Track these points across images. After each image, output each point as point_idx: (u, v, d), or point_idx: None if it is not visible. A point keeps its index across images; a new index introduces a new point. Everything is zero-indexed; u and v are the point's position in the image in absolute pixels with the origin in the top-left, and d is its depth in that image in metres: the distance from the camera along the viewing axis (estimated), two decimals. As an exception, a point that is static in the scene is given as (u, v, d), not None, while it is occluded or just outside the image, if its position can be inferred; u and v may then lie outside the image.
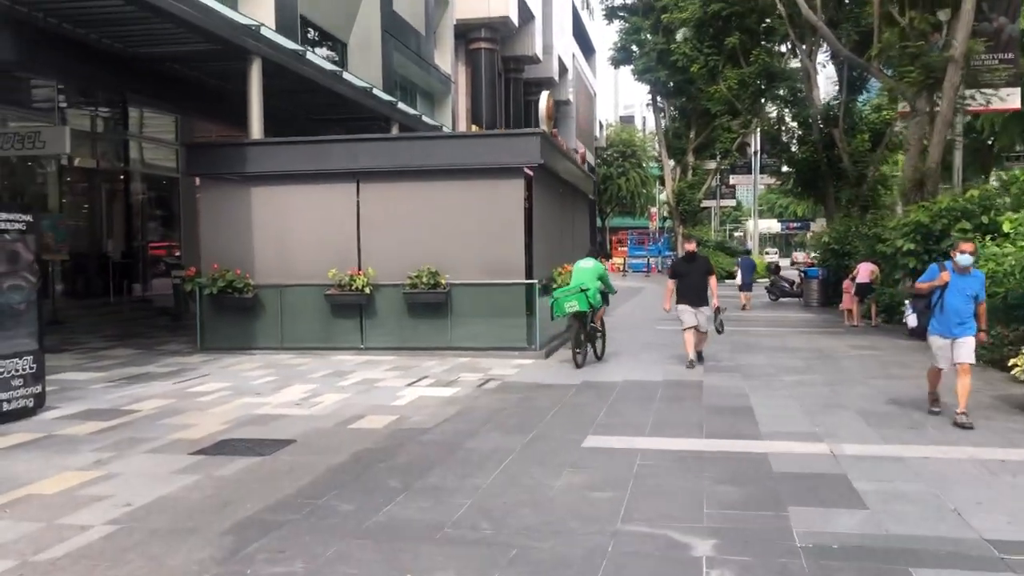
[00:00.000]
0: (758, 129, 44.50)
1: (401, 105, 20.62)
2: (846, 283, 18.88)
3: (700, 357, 11.88)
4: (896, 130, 27.78)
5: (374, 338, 12.97)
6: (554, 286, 12.92)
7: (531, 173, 13.04)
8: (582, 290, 11.39)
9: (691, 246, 12.35)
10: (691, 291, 11.73)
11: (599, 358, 12.34)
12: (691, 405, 8.89)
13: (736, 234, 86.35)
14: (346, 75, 17.48)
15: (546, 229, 14.04)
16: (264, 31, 14.00)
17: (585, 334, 11.75)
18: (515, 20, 34.79)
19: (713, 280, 11.85)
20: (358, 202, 13.04)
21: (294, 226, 13.21)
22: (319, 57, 16.96)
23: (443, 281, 12.59)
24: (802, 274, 26.56)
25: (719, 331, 12.21)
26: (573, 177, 16.55)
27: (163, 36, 13.55)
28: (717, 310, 11.94)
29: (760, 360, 12.47)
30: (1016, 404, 8.85)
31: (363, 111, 19.11)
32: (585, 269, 11.87)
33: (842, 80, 25.94)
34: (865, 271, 18.01)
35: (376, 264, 12.84)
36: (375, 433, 7.57)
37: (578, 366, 11.45)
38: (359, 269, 12.85)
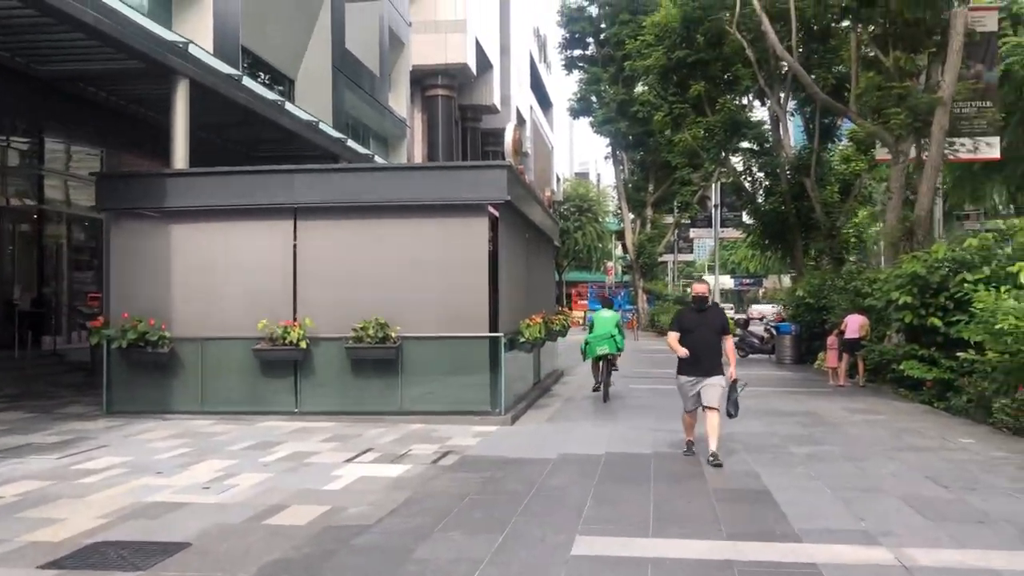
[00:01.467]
0: (719, 182, 43.98)
1: (351, 143, 19.05)
2: (831, 339, 17.52)
3: (698, 449, 8.53)
4: (866, 182, 26.99)
5: (311, 401, 11.14)
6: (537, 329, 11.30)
7: (496, 213, 11.48)
8: (611, 336, 13.51)
9: (703, 288, 8.77)
10: (699, 354, 8.29)
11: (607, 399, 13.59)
12: (696, 488, 7.23)
13: (688, 290, 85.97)
14: (289, 106, 15.88)
15: (512, 276, 12.43)
16: (193, 49, 12.35)
17: (607, 373, 13.67)
18: (473, 68, 33.77)
19: (730, 341, 8.58)
20: (295, 242, 11.31)
21: (220, 269, 11.42)
22: (258, 84, 15.32)
23: (393, 334, 10.87)
24: (772, 330, 25.29)
25: (731, 414, 8.40)
26: (540, 220, 15.02)
27: (74, 49, 11.84)
28: (734, 383, 8.41)
29: (755, 427, 10.89)
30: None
31: (308, 148, 17.48)
32: (607, 318, 13.93)
33: (814, 128, 25.04)
34: (855, 324, 16.64)
35: (315, 314, 11.08)
36: (297, 533, 5.76)
37: (605, 400, 13.36)
38: (295, 320, 11.08)
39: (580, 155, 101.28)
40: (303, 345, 10.88)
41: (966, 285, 12.15)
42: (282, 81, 21.60)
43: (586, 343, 13.78)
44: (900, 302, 13.85)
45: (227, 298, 11.35)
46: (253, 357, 11.10)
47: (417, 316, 11.03)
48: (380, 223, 11.25)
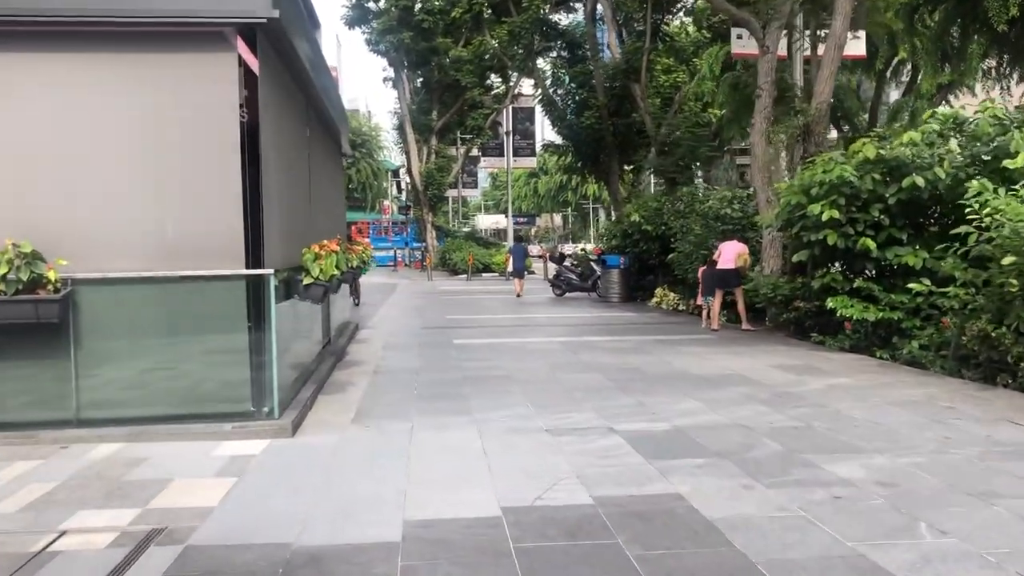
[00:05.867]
0: (511, 106, 40.25)
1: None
2: (702, 270, 13.91)
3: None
4: (684, 92, 23.81)
5: None
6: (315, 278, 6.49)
7: (252, 57, 6.41)
8: None
9: None
10: None
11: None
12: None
13: (464, 229, 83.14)
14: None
15: (286, 175, 7.38)
16: None
17: None
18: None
19: None
20: None
21: None
22: None
23: (54, 275, 5.60)
24: (593, 263, 21.70)
25: None
26: (329, 96, 9.85)
27: None
28: None
29: (693, 407, 6.79)
30: None
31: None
32: None
33: (644, 27, 21.32)
34: (731, 253, 13.12)
35: None
36: None
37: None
38: None
39: (349, 91, 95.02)
40: None
41: (974, 183, 8.52)
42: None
43: None
44: (824, 218, 10.25)
45: None
46: None
47: (105, 240, 5.81)
48: (20, 62, 5.83)
